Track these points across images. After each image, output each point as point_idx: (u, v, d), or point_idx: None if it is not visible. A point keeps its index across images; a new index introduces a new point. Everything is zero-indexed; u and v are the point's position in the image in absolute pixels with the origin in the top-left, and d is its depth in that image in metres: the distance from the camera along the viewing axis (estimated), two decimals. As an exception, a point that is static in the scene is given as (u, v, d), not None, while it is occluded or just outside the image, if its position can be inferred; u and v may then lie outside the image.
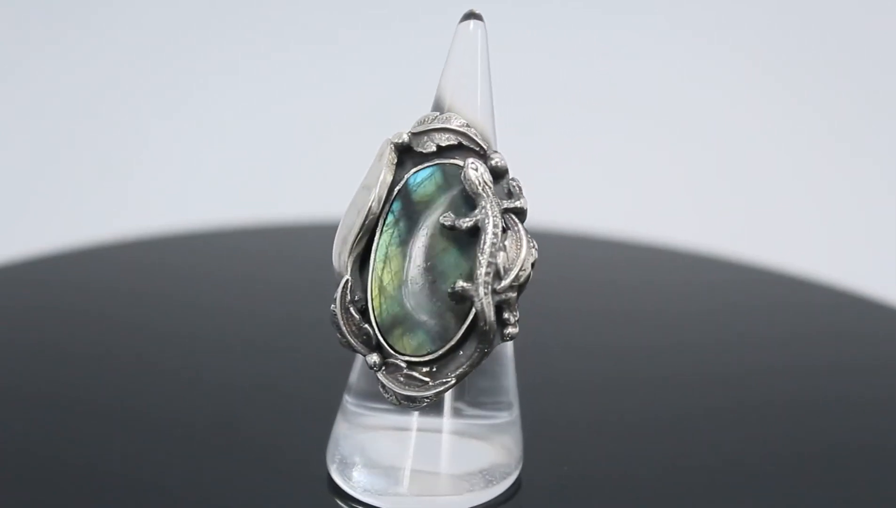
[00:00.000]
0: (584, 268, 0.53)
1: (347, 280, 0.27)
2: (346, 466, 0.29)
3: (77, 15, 0.83)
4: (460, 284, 0.27)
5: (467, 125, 0.28)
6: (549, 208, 0.64)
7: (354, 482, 0.29)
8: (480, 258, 0.26)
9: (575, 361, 0.40)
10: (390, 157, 0.27)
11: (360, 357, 0.29)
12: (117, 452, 0.32)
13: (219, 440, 0.33)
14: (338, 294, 0.27)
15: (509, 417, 0.30)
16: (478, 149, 0.28)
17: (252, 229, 0.56)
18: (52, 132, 0.83)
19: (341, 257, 0.28)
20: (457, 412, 0.28)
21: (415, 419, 0.28)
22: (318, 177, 0.78)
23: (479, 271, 0.26)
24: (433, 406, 0.28)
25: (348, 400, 0.30)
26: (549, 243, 0.55)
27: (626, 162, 0.82)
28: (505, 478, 0.29)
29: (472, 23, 0.28)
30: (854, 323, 0.45)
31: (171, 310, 0.44)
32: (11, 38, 0.82)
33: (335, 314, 0.28)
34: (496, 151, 0.28)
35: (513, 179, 0.28)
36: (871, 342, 0.43)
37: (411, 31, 0.82)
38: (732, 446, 0.33)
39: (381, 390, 0.28)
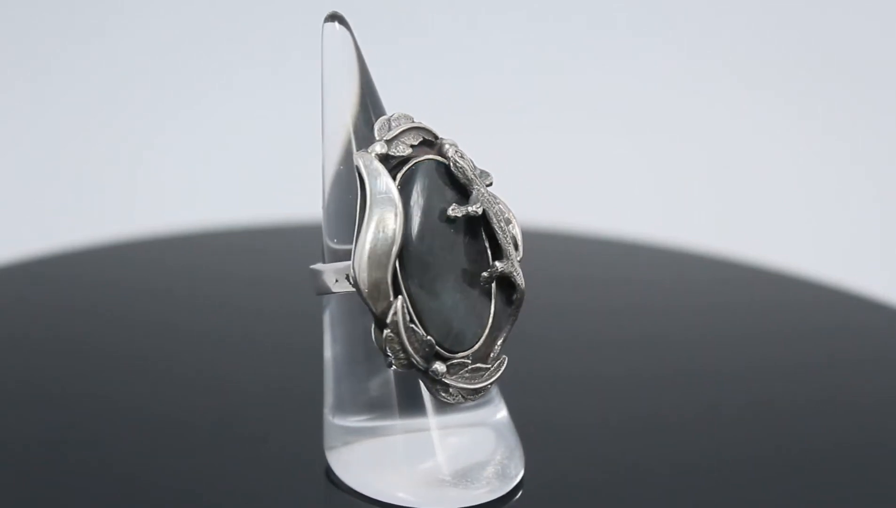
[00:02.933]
0: (576, 267, 0.53)
1: (404, 299, 0.27)
2: (348, 470, 0.29)
3: (82, 15, 0.83)
4: (498, 266, 0.28)
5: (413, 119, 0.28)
6: (542, 206, 0.64)
7: (360, 486, 0.29)
8: (503, 236, 0.28)
9: (571, 360, 0.40)
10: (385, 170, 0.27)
11: (331, 378, 0.30)
12: (114, 448, 0.32)
13: (219, 438, 0.33)
14: (399, 317, 0.27)
15: (492, 396, 0.30)
16: (433, 139, 0.29)
17: (252, 229, 0.57)
18: (52, 132, 0.83)
19: (380, 283, 0.27)
20: (440, 407, 0.29)
21: (399, 422, 0.29)
22: (318, 177, 0.78)
23: (508, 248, 0.28)
24: (413, 404, 0.28)
25: (334, 421, 0.30)
26: (541, 242, 0.55)
27: (617, 160, 0.82)
28: (509, 459, 0.30)
29: (336, 24, 0.28)
30: (850, 322, 0.45)
31: (170, 309, 0.44)
32: (14, 37, 0.83)
33: (395, 339, 0.27)
34: (442, 136, 0.29)
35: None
36: (868, 342, 0.43)
37: (411, 33, 0.82)
38: (732, 445, 0.33)
39: (440, 395, 0.28)
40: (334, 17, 0.28)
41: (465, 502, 0.28)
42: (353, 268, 0.27)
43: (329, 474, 0.30)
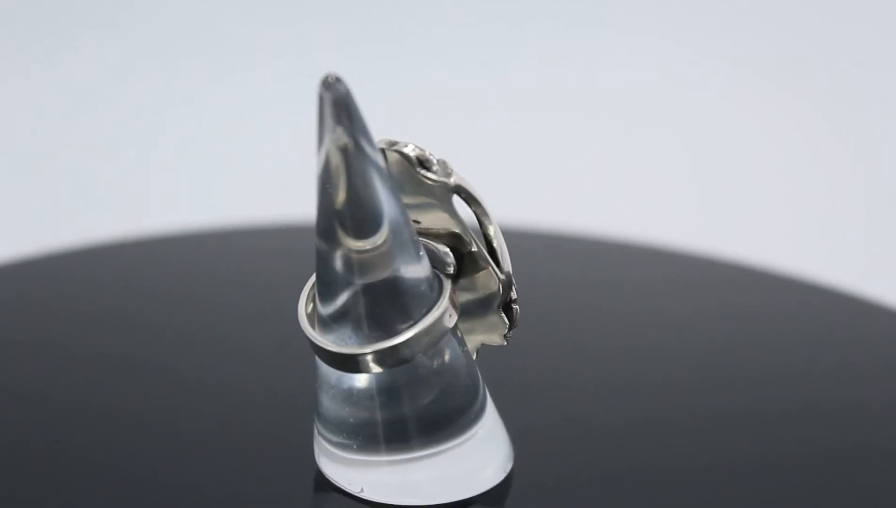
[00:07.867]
0: (570, 268, 0.53)
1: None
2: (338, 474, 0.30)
3: (78, 14, 0.83)
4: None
5: None
6: (537, 206, 0.64)
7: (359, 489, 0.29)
8: None
9: (566, 362, 0.40)
10: None
11: (331, 419, 0.29)
12: (113, 449, 0.32)
13: (218, 439, 0.33)
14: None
15: (481, 404, 0.30)
16: None
17: (251, 229, 0.57)
18: (51, 131, 0.83)
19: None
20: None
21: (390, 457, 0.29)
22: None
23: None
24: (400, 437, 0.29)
25: (354, 456, 0.29)
26: (535, 243, 0.55)
27: (612, 159, 0.82)
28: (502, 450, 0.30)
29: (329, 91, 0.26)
30: (850, 323, 0.45)
31: (169, 309, 0.45)
32: (16, 33, 0.83)
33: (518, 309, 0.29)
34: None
35: None
36: (868, 343, 0.43)
37: (411, 33, 0.82)
38: (730, 447, 0.33)
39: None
40: (328, 78, 0.26)
41: (468, 493, 0.29)
42: (504, 268, 0.29)
43: (323, 477, 0.30)
